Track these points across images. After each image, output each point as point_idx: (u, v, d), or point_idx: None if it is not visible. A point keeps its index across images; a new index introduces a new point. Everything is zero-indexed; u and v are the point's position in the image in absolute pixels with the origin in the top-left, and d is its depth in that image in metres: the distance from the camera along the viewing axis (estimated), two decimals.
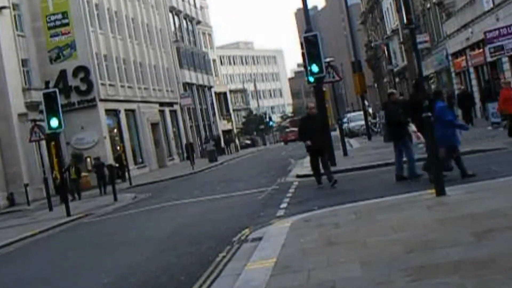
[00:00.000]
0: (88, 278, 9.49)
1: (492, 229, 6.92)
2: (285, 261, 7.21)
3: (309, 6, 24.43)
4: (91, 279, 9.33)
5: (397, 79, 55.23)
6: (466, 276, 5.38)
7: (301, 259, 7.19)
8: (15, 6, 38.03)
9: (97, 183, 30.74)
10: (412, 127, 14.56)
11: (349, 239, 7.89)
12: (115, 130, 43.40)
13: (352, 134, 41.85)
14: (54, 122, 19.87)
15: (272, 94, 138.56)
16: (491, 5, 29.21)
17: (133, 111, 46.83)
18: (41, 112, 28.10)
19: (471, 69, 35.03)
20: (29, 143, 29.08)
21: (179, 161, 53.73)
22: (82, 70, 40.64)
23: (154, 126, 50.15)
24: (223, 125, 75.47)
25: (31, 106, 35.64)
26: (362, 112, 38.12)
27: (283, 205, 13.22)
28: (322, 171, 15.59)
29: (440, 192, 9.63)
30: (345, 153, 23.54)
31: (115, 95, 43.90)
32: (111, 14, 46.22)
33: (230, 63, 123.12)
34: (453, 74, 39.55)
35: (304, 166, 23.27)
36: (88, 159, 36.60)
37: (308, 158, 17.51)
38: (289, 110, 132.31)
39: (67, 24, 40.71)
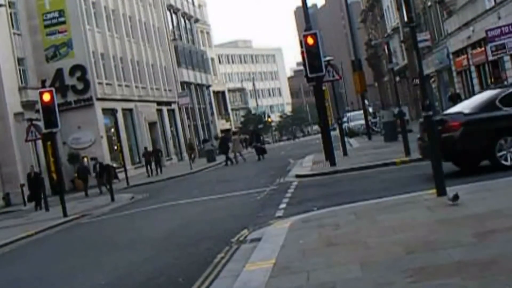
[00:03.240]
0: (85, 279, 9.41)
1: (494, 230, 6.86)
2: (284, 262, 7.14)
3: (309, 4, 24.41)
4: (88, 280, 9.25)
5: (397, 78, 55.22)
6: (468, 278, 5.31)
7: (300, 260, 7.11)
8: (11, 4, 37.90)
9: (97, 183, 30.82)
10: None
11: (349, 240, 7.81)
12: (112, 130, 43.28)
13: (352, 133, 41.81)
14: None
15: (271, 93, 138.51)
16: (493, 3, 29.16)
17: (130, 110, 46.72)
18: (37, 111, 27.98)
19: (473, 68, 34.95)
20: (25, 143, 28.93)
21: (177, 160, 53.66)
22: (79, 69, 40.51)
23: (151, 125, 50.04)
24: (221, 124, 75.43)
25: (27, 105, 35.50)
26: (362, 111, 38.08)
27: (282, 206, 13.16)
28: None
29: (441, 193, 9.53)
30: (345, 153, 23.44)
31: (112, 94, 43.78)
32: (108, 12, 46.08)
33: (228, 62, 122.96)
34: (454, 73, 39.49)
35: (304, 166, 23.18)
36: (85, 159, 36.46)
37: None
38: (288, 109, 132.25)
39: (63, 22, 40.56)
